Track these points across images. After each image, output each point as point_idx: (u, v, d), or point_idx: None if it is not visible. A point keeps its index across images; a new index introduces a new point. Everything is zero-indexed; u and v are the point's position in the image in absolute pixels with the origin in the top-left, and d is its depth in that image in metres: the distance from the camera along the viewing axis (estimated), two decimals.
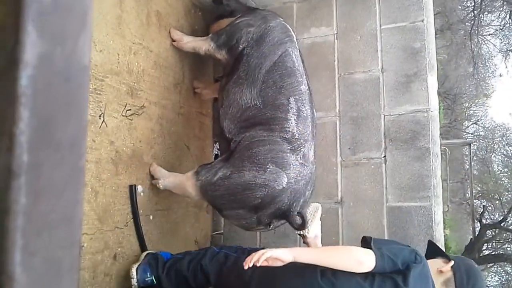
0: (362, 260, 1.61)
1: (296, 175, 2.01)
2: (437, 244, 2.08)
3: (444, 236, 2.62)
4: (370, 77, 2.63)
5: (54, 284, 0.19)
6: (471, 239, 6.31)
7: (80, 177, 0.21)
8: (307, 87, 2.17)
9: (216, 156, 2.86)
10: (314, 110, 2.21)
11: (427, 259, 1.84)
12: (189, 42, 2.44)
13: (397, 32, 2.63)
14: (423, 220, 2.42)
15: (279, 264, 1.59)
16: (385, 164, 2.53)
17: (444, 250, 2.07)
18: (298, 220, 2.03)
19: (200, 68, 2.76)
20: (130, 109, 2.08)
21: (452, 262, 1.80)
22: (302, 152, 2.05)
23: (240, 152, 2.06)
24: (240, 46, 2.23)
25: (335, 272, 1.65)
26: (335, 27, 2.75)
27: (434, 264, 1.81)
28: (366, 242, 1.71)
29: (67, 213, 0.20)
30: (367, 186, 2.54)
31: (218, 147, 2.91)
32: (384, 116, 2.58)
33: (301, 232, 2.05)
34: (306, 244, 2.09)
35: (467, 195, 9.50)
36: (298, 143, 2.05)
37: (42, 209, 0.19)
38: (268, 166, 1.98)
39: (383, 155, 2.54)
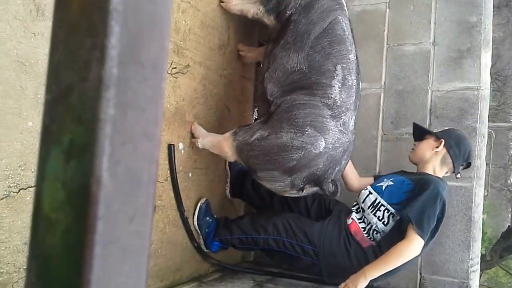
0: (417, 253, 1.91)
1: (335, 141, 2.00)
2: (422, 126, 2.35)
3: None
4: (420, 50, 2.54)
5: (134, 192, 0.21)
6: (509, 226, 6.13)
7: (161, 97, 0.22)
8: (355, 57, 2.13)
9: (256, 121, 2.86)
10: (360, 82, 2.17)
11: (419, 140, 2.25)
12: (238, 4, 2.42)
13: (453, 4, 2.51)
14: (462, 200, 2.37)
15: None
16: None
17: (431, 131, 2.30)
18: (331, 187, 2.02)
19: (245, 31, 2.74)
20: (175, 67, 2.10)
21: (443, 141, 2.13)
22: (342, 119, 2.03)
23: (279, 114, 2.06)
24: (288, 11, 2.20)
25: None
26: None
27: (428, 146, 2.17)
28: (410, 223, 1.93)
29: (149, 130, 0.21)
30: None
31: (257, 112, 2.91)
32: (432, 91, 2.50)
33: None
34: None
35: (508, 181, 9.19)
36: (339, 110, 2.02)
37: (128, 122, 0.20)
38: (306, 129, 1.98)
39: None
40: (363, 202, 2.17)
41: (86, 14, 0.20)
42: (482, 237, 2.60)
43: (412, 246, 1.90)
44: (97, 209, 0.20)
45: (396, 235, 1.97)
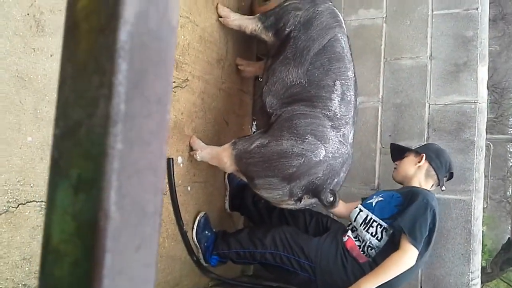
0: (411, 263, 1.91)
1: (335, 151, 2.01)
2: (399, 144, 2.41)
3: None
4: (418, 64, 2.57)
5: (140, 223, 0.21)
6: (509, 238, 6.11)
7: (165, 130, 0.23)
8: (353, 74, 2.15)
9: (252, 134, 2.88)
10: (357, 99, 2.19)
11: (399, 159, 2.30)
12: (236, 20, 2.44)
13: (449, 18, 2.54)
14: (461, 213, 2.37)
15: None
16: None
17: (410, 148, 2.35)
18: (329, 197, 2.02)
19: (243, 45, 2.76)
20: (174, 82, 2.12)
21: (424, 155, 2.18)
22: (342, 131, 2.04)
23: (280, 123, 2.07)
24: (287, 29, 2.22)
25: None
26: (385, 10, 2.68)
27: (410, 162, 2.22)
28: (403, 233, 1.94)
29: (154, 162, 0.22)
30: None
31: (256, 125, 2.93)
32: (429, 105, 2.51)
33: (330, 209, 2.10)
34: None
35: (508, 193, 9.18)
36: (340, 122, 2.04)
37: (134, 156, 0.21)
38: (307, 137, 1.99)
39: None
40: (355, 221, 2.18)
41: (94, 53, 0.21)
42: (482, 250, 2.60)
43: (407, 256, 1.90)
44: (105, 242, 0.20)
45: (390, 249, 1.97)
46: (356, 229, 2.14)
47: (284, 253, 2.10)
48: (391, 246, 1.98)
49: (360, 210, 2.18)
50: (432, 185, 2.23)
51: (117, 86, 0.20)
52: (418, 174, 2.21)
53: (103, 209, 0.20)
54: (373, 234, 2.06)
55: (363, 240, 2.09)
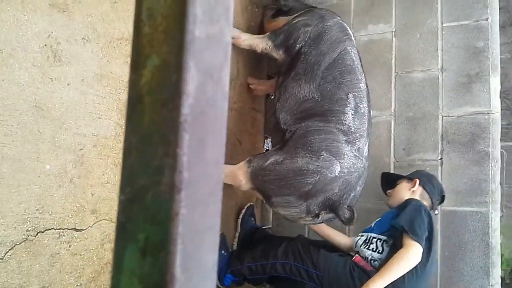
0: (417, 259, 1.89)
1: (350, 166, 2.01)
2: (390, 172, 2.49)
3: None
4: (429, 77, 2.57)
5: (201, 280, 0.23)
6: None
7: (220, 190, 0.24)
8: (365, 86, 2.17)
9: (267, 151, 2.89)
10: (371, 110, 2.20)
11: (393, 188, 2.32)
12: (247, 40, 2.48)
13: (459, 30, 2.55)
14: (479, 226, 2.35)
15: None
16: (441, 166, 2.47)
17: (401, 175, 2.40)
18: (346, 213, 2.03)
19: (254, 64, 2.79)
20: None
21: (418, 180, 2.22)
22: (357, 145, 2.05)
23: (294, 140, 2.09)
24: (298, 45, 2.25)
25: None
26: (394, 24, 2.70)
27: (404, 188, 2.25)
28: (404, 232, 1.95)
29: (212, 222, 0.23)
30: None
31: (269, 143, 2.94)
32: (442, 117, 2.51)
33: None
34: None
35: None
36: (354, 136, 2.05)
37: (196, 218, 0.22)
38: (322, 154, 1.99)
39: (439, 157, 2.48)
40: (356, 246, 2.20)
41: (158, 125, 0.22)
42: (502, 260, 2.56)
43: (411, 252, 1.89)
44: None
45: (392, 255, 1.97)
46: (359, 252, 2.15)
47: (294, 263, 2.11)
48: (394, 251, 1.98)
49: (361, 235, 2.21)
50: None
51: (181, 156, 0.22)
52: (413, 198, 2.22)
53: (170, 272, 0.21)
54: (374, 249, 2.08)
55: (365, 258, 2.09)
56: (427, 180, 2.25)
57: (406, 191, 2.23)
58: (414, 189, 2.22)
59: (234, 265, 2.25)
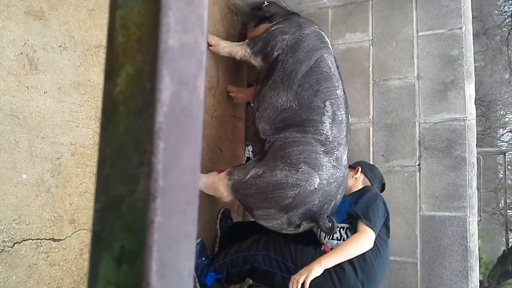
0: (370, 243, 1.98)
1: (329, 176, 2.03)
2: None
3: None
4: (406, 84, 2.62)
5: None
6: (504, 250, 6.13)
7: (197, 198, 0.24)
8: (342, 92, 2.19)
9: (248, 159, 2.89)
10: (349, 116, 2.22)
11: None
12: (226, 47, 2.49)
13: (434, 39, 2.60)
14: (457, 230, 2.39)
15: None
16: (419, 172, 2.51)
17: None
18: (327, 223, 2.04)
19: (233, 72, 2.80)
20: None
21: (360, 168, 2.33)
22: (335, 155, 2.07)
23: (273, 152, 2.10)
24: (275, 53, 2.27)
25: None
26: (371, 33, 2.75)
27: (349, 175, 2.30)
28: (359, 218, 2.04)
29: (188, 230, 0.23)
30: (400, 194, 2.52)
31: (250, 151, 2.94)
32: (419, 124, 2.56)
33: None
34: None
35: (500, 205, 9.25)
36: (332, 145, 2.06)
37: (172, 226, 0.22)
38: (300, 166, 2.01)
39: (417, 163, 2.52)
40: (320, 241, 2.20)
41: (133, 134, 0.22)
42: (480, 263, 2.61)
43: (364, 236, 1.97)
44: None
45: None
46: (325, 244, 2.16)
47: (275, 256, 2.14)
48: None
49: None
50: None
51: (156, 165, 0.22)
52: (356, 185, 2.30)
53: (146, 280, 0.21)
54: (339, 238, 2.11)
55: (332, 248, 2.10)
56: (368, 169, 2.36)
57: (350, 178, 2.30)
58: (356, 176, 2.31)
59: (216, 261, 2.25)
